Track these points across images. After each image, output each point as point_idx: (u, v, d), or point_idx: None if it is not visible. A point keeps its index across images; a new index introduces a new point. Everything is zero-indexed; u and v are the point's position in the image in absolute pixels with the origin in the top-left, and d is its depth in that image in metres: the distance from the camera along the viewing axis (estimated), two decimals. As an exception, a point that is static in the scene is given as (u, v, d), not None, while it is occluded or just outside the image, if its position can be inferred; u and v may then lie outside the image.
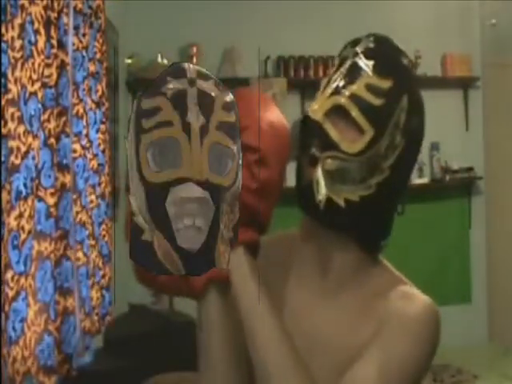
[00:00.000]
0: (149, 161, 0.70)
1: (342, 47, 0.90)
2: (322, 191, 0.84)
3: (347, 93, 0.83)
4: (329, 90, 0.84)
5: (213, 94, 0.70)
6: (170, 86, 0.68)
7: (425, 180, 3.92)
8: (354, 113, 0.82)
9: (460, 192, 4.04)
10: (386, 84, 0.85)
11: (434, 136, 3.94)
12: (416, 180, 3.93)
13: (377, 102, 0.83)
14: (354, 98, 0.82)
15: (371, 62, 0.84)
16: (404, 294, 0.89)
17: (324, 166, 0.83)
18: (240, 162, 0.75)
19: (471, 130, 4.07)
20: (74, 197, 2.22)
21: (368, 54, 0.85)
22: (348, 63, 0.85)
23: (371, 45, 0.87)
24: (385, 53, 0.88)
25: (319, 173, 0.83)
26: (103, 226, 2.49)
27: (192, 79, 0.69)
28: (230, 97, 0.73)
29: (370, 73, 0.84)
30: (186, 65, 0.70)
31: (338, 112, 0.82)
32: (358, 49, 0.85)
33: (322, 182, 0.84)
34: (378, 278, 0.91)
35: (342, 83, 0.83)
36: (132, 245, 0.78)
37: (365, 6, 3.92)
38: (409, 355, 0.87)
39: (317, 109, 0.83)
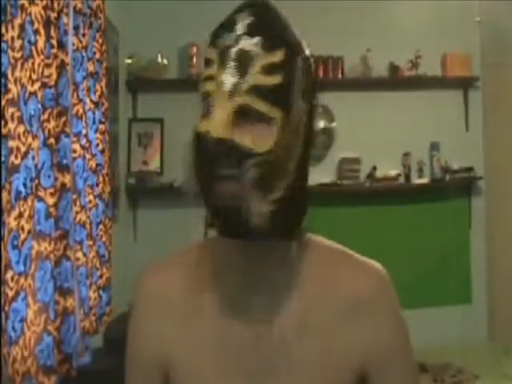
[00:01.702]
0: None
1: (211, 36, 0.79)
2: (261, 210, 0.73)
3: (245, 87, 0.73)
4: (224, 94, 0.73)
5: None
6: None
7: (425, 180, 3.92)
8: (259, 106, 0.73)
9: (460, 192, 4.04)
10: (278, 56, 0.75)
11: (434, 136, 3.94)
12: (416, 180, 3.93)
13: (276, 79, 0.74)
14: (253, 89, 0.73)
15: (257, 39, 0.74)
16: (354, 269, 0.85)
17: (246, 181, 0.72)
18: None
19: (471, 130, 4.07)
20: (74, 197, 2.22)
21: (251, 32, 0.75)
22: (233, 52, 0.74)
23: (250, 19, 0.76)
24: (265, 19, 0.77)
25: (248, 192, 0.72)
26: (101, 227, 2.49)
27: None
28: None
29: (261, 52, 0.74)
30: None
31: (241, 113, 0.73)
32: (238, 31, 0.75)
33: (257, 201, 0.73)
34: (317, 259, 0.85)
35: (234, 79, 0.73)
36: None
37: (365, 5, 3.92)
38: (402, 327, 0.88)
39: (217, 123, 0.72)
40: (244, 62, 0.73)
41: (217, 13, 3.21)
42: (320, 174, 3.70)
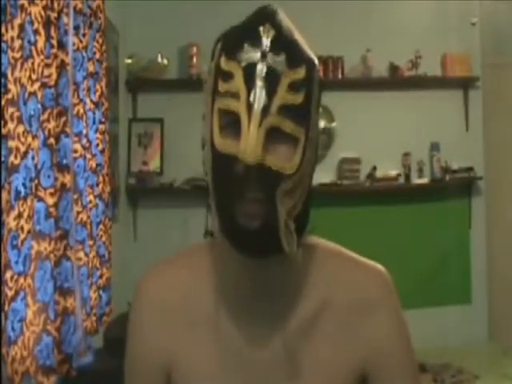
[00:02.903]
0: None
1: (227, 44, 0.75)
2: (292, 237, 0.74)
3: (275, 108, 0.71)
4: (256, 116, 0.70)
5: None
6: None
7: (425, 180, 3.92)
8: (288, 126, 0.72)
9: (460, 192, 4.04)
10: (301, 73, 0.73)
11: (434, 136, 3.94)
12: (416, 180, 3.93)
13: (299, 98, 0.72)
14: (282, 110, 0.71)
15: (283, 57, 0.72)
16: (356, 272, 0.86)
17: (275, 203, 0.71)
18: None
19: (471, 130, 4.07)
20: (75, 197, 2.22)
21: (276, 48, 0.72)
22: (260, 70, 0.71)
23: (273, 33, 0.73)
24: (285, 33, 0.74)
25: (280, 216, 0.72)
26: (101, 227, 2.49)
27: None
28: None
29: (287, 69, 0.72)
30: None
31: (271, 134, 0.71)
32: (264, 46, 0.72)
33: (285, 222, 0.72)
34: (322, 264, 0.85)
35: (264, 99, 0.71)
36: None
37: (365, 5, 3.92)
38: (403, 327, 0.87)
39: (250, 147, 0.69)
40: (272, 80, 0.71)
41: (217, 13, 3.19)
42: (320, 174, 3.70)
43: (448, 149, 3.92)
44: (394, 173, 3.87)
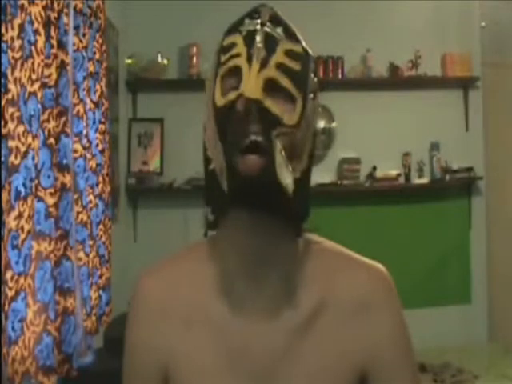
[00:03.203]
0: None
1: (229, 28, 0.82)
2: (288, 177, 0.76)
3: (273, 64, 0.76)
4: (255, 67, 0.75)
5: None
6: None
7: (425, 180, 3.92)
8: (285, 82, 0.77)
9: (460, 192, 4.03)
10: (298, 48, 0.80)
11: (434, 136, 3.94)
12: (416, 180, 3.93)
13: (297, 67, 0.78)
14: (280, 67, 0.76)
15: (280, 28, 0.79)
16: (357, 271, 0.86)
17: (276, 147, 0.74)
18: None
19: (471, 130, 4.06)
20: (76, 197, 2.22)
21: (274, 21, 0.79)
22: (259, 34, 0.77)
23: (270, 12, 0.80)
24: (284, 20, 0.82)
25: (278, 157, 0.75)
26: (101, 227, 2.49)
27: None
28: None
29: (285, 39, 0.78)
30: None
31: (270, 86, 0.75)
32: (263, 18, 0.79)
33: (285, 167, 0.75)
34: (321, 262, 0.86)
35: (263, 55, 0.76)
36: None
37: (365, 6, 3.92)
38: (403, 327, 0.88)
39: (253, 87, 0.73)
40: (270, 43, 0.76)
41: (217, 13, 3.19)
42: (320, 174, 3.70)
43: (448, 149, 3.92)
44: (394, 173, 3.87)
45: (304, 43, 0.82)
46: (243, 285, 0.82)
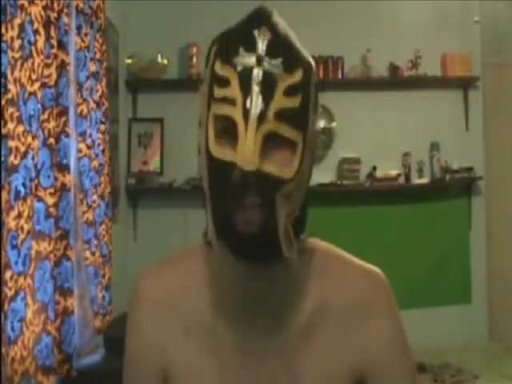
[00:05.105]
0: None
1: (221, 48, 0.74)
2: (291, 241, 0.74)
3: (272, 113, 0.69)
4: (252, 122, 0.69)
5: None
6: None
7: (425, 180, 3.92)
8: (285, 131, 0.71)
9: (460, 192, 4.03)
10: (298, 76, 0.72)
11: (434, 136, 3.94)
12: (416, 180, 3.93)
13: (296, 102, 0.71)
14: (279, 115, 0.70)
15: (279, 60, 0.71)
16: (353, 275, 0.85)
17: (276, 208, 0.70)
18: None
19: (471, 130, 4.07)
20: (81, 196, 2.22)
21: (272, 52, 0.71)
22: (257, 74, 0.70)
23: (268, 37, 0.72)
24: (281, 36, 0.73)
25: (280, 221, 0.71)
26: (103, 226, 2.49)
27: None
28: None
29: (283, 74, 0.70)
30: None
31: (268, 138, 0.70)
32: (260, 50, 0.71)
33: (284, 227, 0.72)
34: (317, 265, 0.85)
35: (260, 105, 0.69)
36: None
37: (365, 5, 3.92)
38: (401, 329, 0.87)
39: (247, 154, 0.68)
40: (269, 85, 0.69)
41: (217, 13, 3.19)
42: (320, 174, 3.70)
43: (448, 149, 3.92)
44: (394, 173, 3.87)
45: (304, 55, 0.75)
46: (241, 290, 0.82)
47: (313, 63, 0.76)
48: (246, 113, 0.69)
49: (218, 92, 0.72)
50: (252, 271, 0.78)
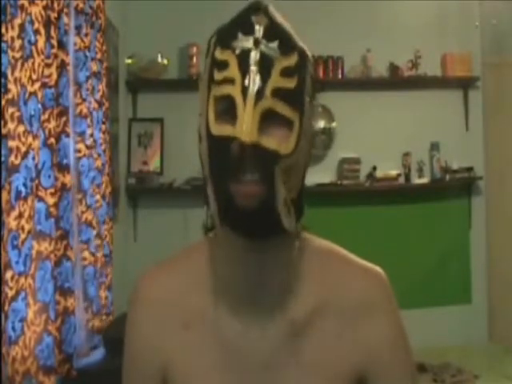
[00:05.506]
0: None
1: (221, 35, 0.77)
2: (291, 216, 0.76)
3: (269, 91, 0.72)
4: (250, 99, 0.72)
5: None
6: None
7: (425, 180, 3.92)
8: (281, 109, 0.74)
9: (460, 192, 4.03)
10: (293, 59, 0.75)
11: (434, 136, 3.94)
12: (416, 180, 3.93)
13: (293, 82, 0.74)
14: (276, 92, 0.73)
15: (275, 44, 0.74)
16: (353, 273, 0.86)
17: (273, 184, 0.72)
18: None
19: (471, 130, 4.07)
20: (80, 196, 2.23)
21: (268, 35, 0.74)
22: (254, 56, 0.73)
23: (265, 22, 0.75)
24: (278, 23, 0.76)
25: (279, 195, 0.73)
26: (105, 226, 2.50)
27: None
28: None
29: (279, 56, 0.74)
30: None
31: (265, 115, 0.73)
32: (257, 33, 0.74)
33: (283, 202, 0.74)
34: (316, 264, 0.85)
35: (258, 83, 0.73)
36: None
37: (365, 5, 3.92)
38: (401, 329, 0.88)
39: (247, 128, 0.71)
40: (266, 65, 0.73)
41: (217, 13, 3.19)
42: (320, 174, 3.70)
43: (448, 149, 3.92)
44: (394, 173, 3.87)
45: (300, 43, 0.78)
46: (241, 287, 0.82)
47: (308, 53, 0.79)
48: (244, 90, 0.72)
49: (218, 75, 0.75)
50: (254, 251, 0.79)
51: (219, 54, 0.75)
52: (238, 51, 0.74)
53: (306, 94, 0.77)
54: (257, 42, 0.74)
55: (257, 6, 0.77)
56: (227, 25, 0.78)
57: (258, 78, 0.72)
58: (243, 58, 0.73)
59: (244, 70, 0.73)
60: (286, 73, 0.74)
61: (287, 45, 0.75)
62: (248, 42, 0.74)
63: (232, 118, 0.72)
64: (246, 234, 0.76)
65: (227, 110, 0.74)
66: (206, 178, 0.78)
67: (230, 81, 0.73)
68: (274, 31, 0.75)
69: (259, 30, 0.74)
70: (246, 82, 0.72)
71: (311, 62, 0.80)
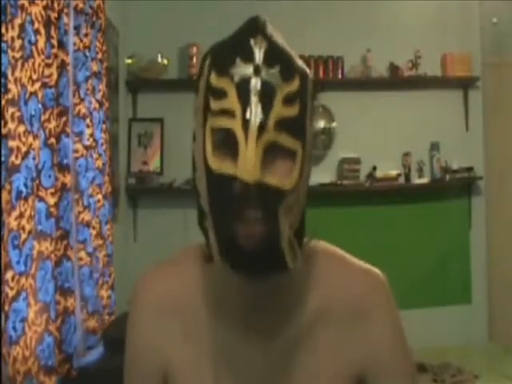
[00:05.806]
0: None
1: (217, 59, 0.72)
2: (295, 253, 0.74)
3: (272, 123, 0.68)
4: (252, 134, 0.67)
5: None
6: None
7: (425, 180, 3.92)
8: (285, 140, 0.70)
9: (460, 192, 4.03)
10: (295, 84, 0.71)
11: (434, 136, 3.94)
12: (416, 180, 3.93)
13: (294, 111, 0.70)
14: (279, 124, 0.68)
15: (277, 69, 0.70)
16: (353, 276, 0.85)
17: (279, 221, 0.69)
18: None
19: (471, 130, 4.07)
20: (76, 197, 2.22)
21: (269, 60, 0.69)
22: (254, 84, 0.68)
23: (265, 46, 0.70)
24: (277, 45, 0.72)
25: (283, 234, 0.70)
26: (107, 226, 2.50)
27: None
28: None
29: (281, 82, 0.69)
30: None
31: (268, 148, 0.68)
32: (257, 60, 0.69)
33: (287, 241, 0.71)
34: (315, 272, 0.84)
35: (260, 115, 0.68)
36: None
37: (365, 5, 3.92)
38: (400, 330, 0.88)
39: (251, 166, 0.66)
40: (267, 94, 0.68)
41: (217, 13, 3.18)
42: (320, 174, 3.70)
43: (448, 149, 3.92)
44: (394, 173, 3.87)
45: (300, 64, 0.73)
46: (241, 294, 0.81)
47: (308, 72, 0.75)
48: (245, 124, 0.67)
49: (215, 104, 0.70)
50: (252, 284, 0.77)
51: (215, 81, 0.70)
52: (236, 79, 0.68)
53: (307, 118, 0.73)
54: (257, 69, 0.69)
55: (255, 24, 0.72)
56: (223, 46, 0.73)
57: (259, 110, 0.68)
58: (243, 87, 0.68)
59: (244, 101, 0.68)
60: (288, 100, 0.70)
61: (289, 69, 0.71)
62: (248, 69, 0.69)
63: (232, 152, 0.68)
64: (247, 273, 0.73)
65: (226, 141, 0.69)
66: (205, 212, 0.74)
67: (229, 113, 0.68)
68: (274, 55, 0.70)
69: (259, 56, 0.69)
70: (248, 114, 0.67)
71: (311, 81, 0.76)
